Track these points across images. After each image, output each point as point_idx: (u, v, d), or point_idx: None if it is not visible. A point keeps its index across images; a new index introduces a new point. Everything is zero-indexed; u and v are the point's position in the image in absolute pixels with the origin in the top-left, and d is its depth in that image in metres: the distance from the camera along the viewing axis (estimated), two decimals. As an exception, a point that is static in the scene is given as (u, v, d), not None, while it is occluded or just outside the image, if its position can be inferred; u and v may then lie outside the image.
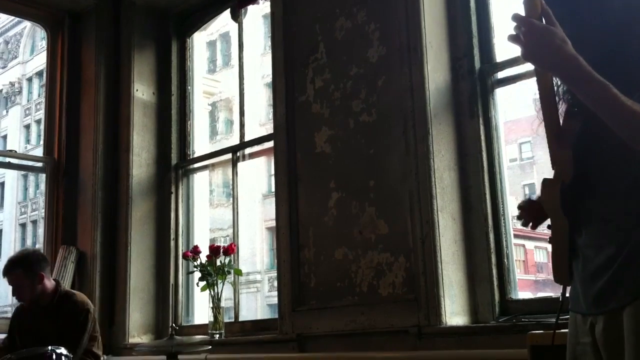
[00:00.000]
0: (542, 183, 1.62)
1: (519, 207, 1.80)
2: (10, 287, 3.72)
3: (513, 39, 1.44)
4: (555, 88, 1.60)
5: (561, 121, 1.60)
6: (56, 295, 3.72)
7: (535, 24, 1.41)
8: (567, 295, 1.66)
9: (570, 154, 1.54)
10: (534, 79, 1.59)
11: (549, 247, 1.63)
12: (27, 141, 30.12)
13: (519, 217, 1.81)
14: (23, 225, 30.50)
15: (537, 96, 1.59)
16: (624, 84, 1.40)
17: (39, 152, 5.87)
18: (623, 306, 1.46)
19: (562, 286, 1.66)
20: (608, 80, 1.39)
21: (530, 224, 1.76)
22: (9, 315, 4.18)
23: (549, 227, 1.64)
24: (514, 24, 1.44)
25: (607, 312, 1.50)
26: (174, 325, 3.41)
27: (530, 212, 1.75)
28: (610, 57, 1.49)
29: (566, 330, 1.67)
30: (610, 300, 1.49)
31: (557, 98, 1.60)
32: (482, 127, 3.23)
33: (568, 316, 1.66)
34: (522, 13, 1.45)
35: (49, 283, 3.73)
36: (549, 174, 1.63)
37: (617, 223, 1.50)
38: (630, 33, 1.49)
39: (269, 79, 4.68)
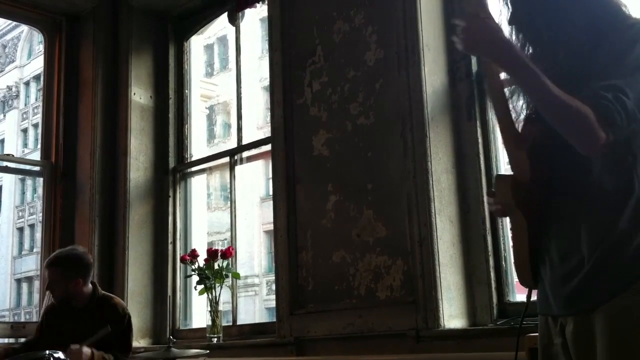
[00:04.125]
0: (495, 178, 1.64)
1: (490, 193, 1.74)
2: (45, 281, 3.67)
3: (455, 36, 1.55)
4: (520, 99, 1.66)
5: (520, 126, 1.66)
6: (93, 299, 3.62)
7: (471, 18, 1.52)
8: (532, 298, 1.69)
9: (525, 155, 1.59)
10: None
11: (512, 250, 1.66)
12: (25, 145, 30.10)
13: (489, 195, 1.78)
14: (21, 229, 30.46)
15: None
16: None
17: (36, 156, 5.87)
18: (594, 307, 1.50)
19: (527, 289, 1.69)
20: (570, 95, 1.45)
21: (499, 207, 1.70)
22: (7, 319, 4.18)
23: (511, 229, 1.67)
24: (458, 25, 1.54)
25: (577, 313, 1.54)
26: (170, 337, 3.38)
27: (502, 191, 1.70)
28: (573, 75, 1.55)
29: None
30: (582, 302, 1.53)
31: (517, 110, 1.67)
32: (479, 130, 3.24)
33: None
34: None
35: (86, 287, 3.61)
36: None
37: (587, 228, 1.53)
38: (591, 57, 1.54)
39: (267, 82, 4.67)
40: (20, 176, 25.09)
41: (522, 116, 1.66)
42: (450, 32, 3.37)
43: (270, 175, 3.94)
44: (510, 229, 1.67)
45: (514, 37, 1.66)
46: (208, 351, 3.44)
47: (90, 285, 3.65)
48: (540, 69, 1.48)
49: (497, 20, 1.53)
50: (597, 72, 1.51)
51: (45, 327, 3.71)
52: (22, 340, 4.16)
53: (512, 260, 1.69)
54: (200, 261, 4.16)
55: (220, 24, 5.46)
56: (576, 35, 1.59)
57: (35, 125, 28.01)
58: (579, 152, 1.49)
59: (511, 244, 1.68)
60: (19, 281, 29.91)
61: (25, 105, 31.12)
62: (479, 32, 1.50)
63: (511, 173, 1.63)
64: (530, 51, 1.65)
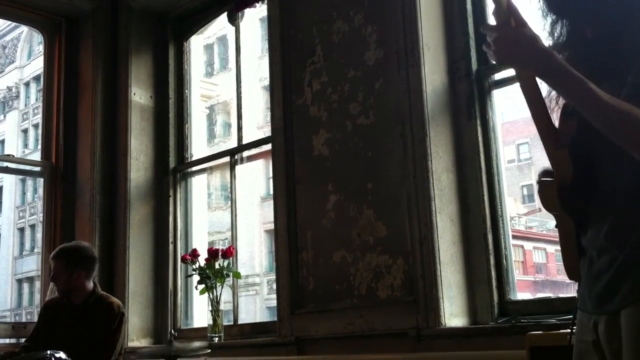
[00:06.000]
0: (538, 184, 1.60)
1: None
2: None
3: (487, 47, 1.48)
4: (551, 92, 1.60)
5: (557, 122, 1.59)
6: (91, 297, 3.68)
7: (503, 28, 1.44)
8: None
9: (567, 154, 1.52)
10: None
11: (558, 247, 1.61)
12: (25, 146, 30.11)
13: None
14: (21, 230, 30.49)
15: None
16: (617, 87, 1.40)
17: (36, 156, 5.87)
18: (620, 308, 1.45)
19: (577, 283, 1.61)
20: (602, 82, 1.39)
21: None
22: (8, 319, 4.19)
23: (556, 226, 1.62)
24: (487, 34, 1.47)
25: (608, 312, 1.49)
26: (172, 332, 3.39)
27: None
28: (603, 60, 1.49)
29: (565, 330, 1.67)
30: (611, 301, 1.48)
31: (554, 100, 1.59)
32: (479, 129, 3.24)
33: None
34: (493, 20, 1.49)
35: (88, 284, 3.70)
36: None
37: (618, 223, 1.48)
38: (621, 39, 1.48)
39: (267, 82, 4.67)
40: (20, 177, 25.11)
41: (557, 111, 1.58)
42: (450, 31, 3.37)
43: (271, 175, 3.94)
44: (556, 226, 1.60)
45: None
46: (209, 350, 3.44)
47: (91, 283, 3.74)
48: (571, 52, 1.42)
49: (533, 28, 1.43)
50: (628, 58, 1.44)
51: (42, 324, 3.77)
52: (23, 339, 4.20)
53: (561, 256, 1.63)
54: (201, 261, 4.17)
55: (220, 24, 5.47)
56: (604, 10, 1.50)
57: (36, 126, 28.02)
58: (619, 149, 1.40)
59: (558, 239, 1.61)
60: (20, 281, 29.92)
61: (26, 105, 31.13)
62: (514, 43, 1.41)
63: (551, 179, 1.56)
64: (559, 33, 1.56)
